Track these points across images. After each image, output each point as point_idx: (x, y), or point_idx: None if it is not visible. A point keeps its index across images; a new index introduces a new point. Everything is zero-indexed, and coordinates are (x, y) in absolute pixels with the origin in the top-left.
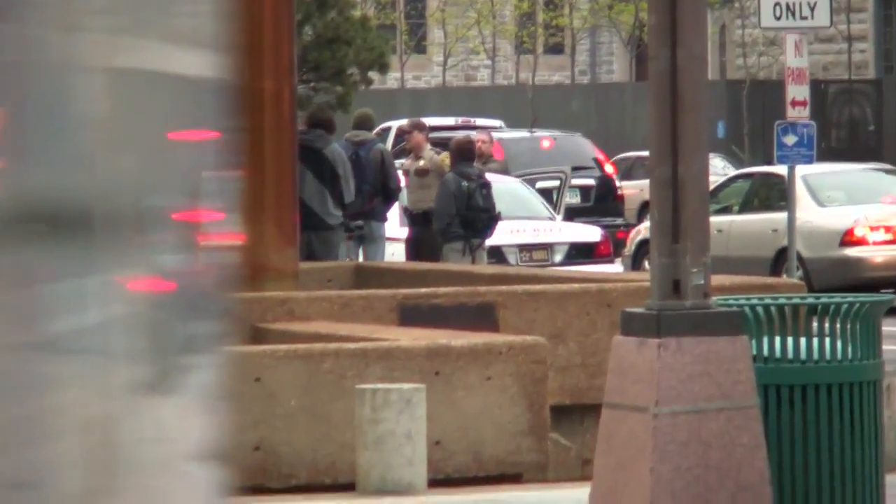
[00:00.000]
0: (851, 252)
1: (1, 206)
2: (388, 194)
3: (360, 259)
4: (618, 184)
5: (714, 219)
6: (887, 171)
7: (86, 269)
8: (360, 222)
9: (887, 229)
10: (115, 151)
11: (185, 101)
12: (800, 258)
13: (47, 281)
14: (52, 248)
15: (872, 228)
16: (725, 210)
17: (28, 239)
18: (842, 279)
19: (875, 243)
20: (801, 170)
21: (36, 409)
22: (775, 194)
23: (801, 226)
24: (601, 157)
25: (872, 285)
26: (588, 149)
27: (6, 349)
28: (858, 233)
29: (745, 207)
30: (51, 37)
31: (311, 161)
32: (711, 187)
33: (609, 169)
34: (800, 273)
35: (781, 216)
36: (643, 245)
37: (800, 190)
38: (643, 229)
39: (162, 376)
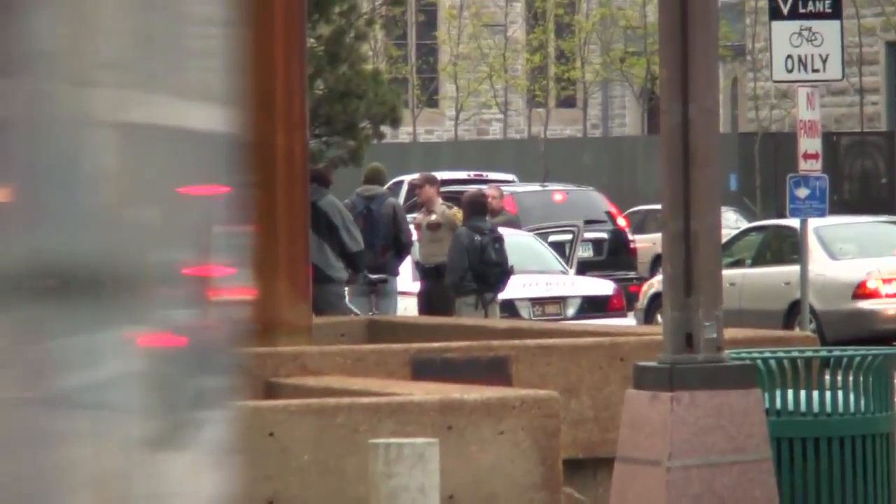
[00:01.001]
0: (864, 305)
1: (12, 261)
2: (401, 248)
3: (372, 313)
4: (630, 237)
5: (727, 272)
6: None
7: (96, 325)
8: (383, 276)
9: None
10: (126, 206)
11: (195, 156)
12: (812, 311)
13: (58, 336)
14: (63, 304)
15: (885, 281)
16: (738, 263)
17: (39, 295)
18: (855, 332)
19: (888, 296)
20: (814, 222)
21: (48, 464)
22: (788, 247)
23: (813, 278)
24: (613, 210)
25: (885, 338)
26: (600, 202)
27: (18, 404)
28: (871, 285)
29: (758, 260)
30: (61, 92)
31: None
32: (724, 240)
33: (621, 222)
34: (813, 326)
35: (794, 269)
36: (656, 298)
37: (812, 243)
38: (656, 282)
39: (173, 431)
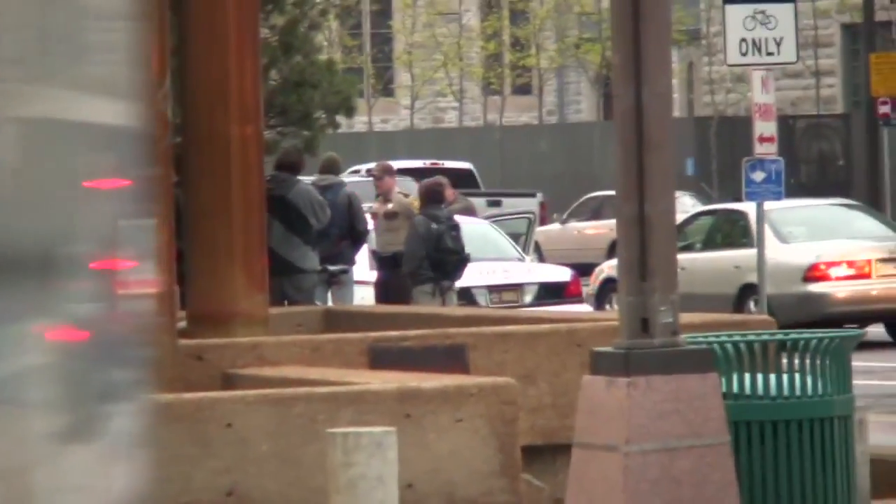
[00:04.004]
0: (815, 288)
1: None
2: (357, 237)
3: (329, 303)
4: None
5: (678, 256)
6: (850, 206)
7: (0, 319)
8: (343, 267)
9: (850, 264)
10: (28, 200)
11: (98, 150)
12: None
13: None
14: None
15: (835, 264)
16: (688, 247)
17: None
18: (805, 315)
19: (838, 279)
20: (764, 206)
21: None
22: (738, 231)
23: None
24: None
25: (836, 321)
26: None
27: None
28: (821, 269)
29: (708, 244)
30: None
31: (276, 209)
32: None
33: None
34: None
35: (744, 253)
36: (607, 283)
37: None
38: (606, 267)
39: (80, 425)
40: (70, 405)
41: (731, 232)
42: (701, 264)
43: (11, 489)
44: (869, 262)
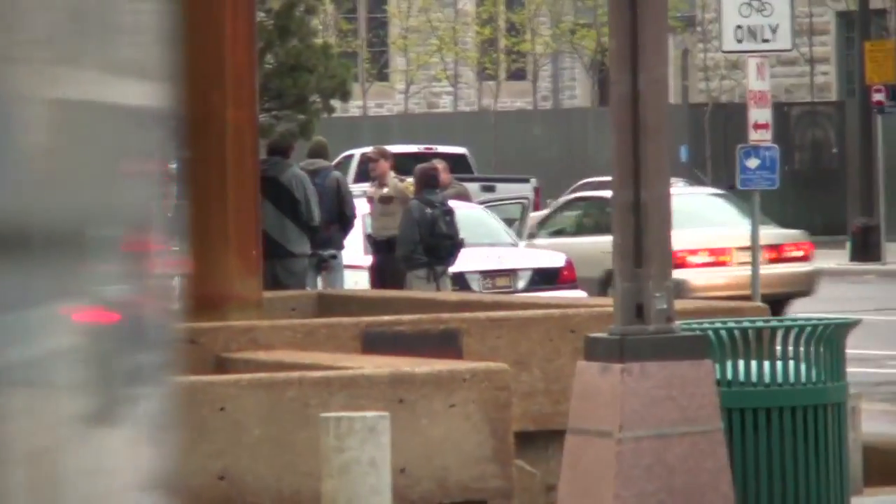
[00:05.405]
0: (674, 274)
1: None
2: (346, 222)
3: (319, 288)
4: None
5: (551, 241)
6: (716, 195)
7: (29, 301)
8: (332, 252)
9: (709, 252)
10: (58, 181)
11: (128, 131)
12: None
13: None
14: None
15: (693, 252)
16: (560, 233)
17: None
18: None
19: (697, 266)
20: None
21: None
22: (605, 218)
23: None
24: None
25: None
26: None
27: None
28: (679, 255)
29: (579, 230)
30: None
31: (268, 190)
32: (548, 211)
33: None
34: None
35: (610, 239)
36: None
37: None
38: None
39: (107, 407)
40: (98, 388)
41: (599, 219)
42: (571, 249)
43: (38, 471)
44: (728, 249)
